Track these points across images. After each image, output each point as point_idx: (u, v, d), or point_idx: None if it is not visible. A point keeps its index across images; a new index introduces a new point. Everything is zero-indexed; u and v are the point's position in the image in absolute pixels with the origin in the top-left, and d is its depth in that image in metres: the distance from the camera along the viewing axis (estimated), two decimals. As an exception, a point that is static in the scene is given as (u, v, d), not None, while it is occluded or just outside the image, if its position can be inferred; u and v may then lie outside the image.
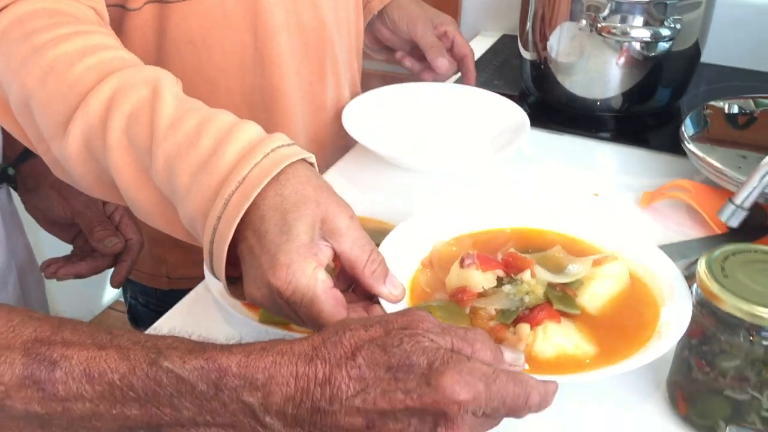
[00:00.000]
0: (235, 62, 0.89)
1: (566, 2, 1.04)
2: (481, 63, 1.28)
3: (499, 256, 0.68)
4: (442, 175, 0.97)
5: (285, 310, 0.57)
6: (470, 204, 0.77)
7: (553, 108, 1.13)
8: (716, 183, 0.85)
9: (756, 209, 0.83)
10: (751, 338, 0.56)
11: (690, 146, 0.90)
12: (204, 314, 0.75)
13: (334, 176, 0.98)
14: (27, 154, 0.92)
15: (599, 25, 1.01)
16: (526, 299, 0.64)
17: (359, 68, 1.10)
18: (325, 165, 1.01)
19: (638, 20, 1.02)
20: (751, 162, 0.85)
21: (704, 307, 0.58)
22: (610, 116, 1.11)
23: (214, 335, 0.71)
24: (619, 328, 0.64)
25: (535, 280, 0.65)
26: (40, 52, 0.66)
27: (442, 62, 1.07)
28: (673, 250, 0.79)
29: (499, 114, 1.04)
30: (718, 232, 0.83)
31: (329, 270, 0.58)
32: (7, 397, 0.48)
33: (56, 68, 0.65)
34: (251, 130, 0.61)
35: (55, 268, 0.95)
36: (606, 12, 1.01)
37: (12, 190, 0.96)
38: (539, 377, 0.50)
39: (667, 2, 1.01)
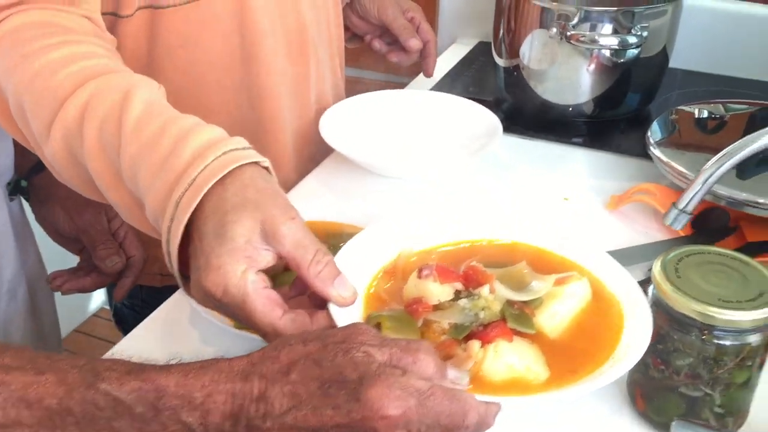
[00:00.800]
0: (224, 63, 0.92)
1: (537, 11, 1.07)
2: (457, 69, 1.31)
3: (462, 269, 0.67)
4: (417, 180, 0.99)
5: (226, 311, 0.59)
6: (442, 213, 0.76)
7: (526, 114, 1.15)
8: (680, 186, 0.87)
9: (719, 212, 0.86)
10: (703, 337, 0.58)
11: (655, 151, 0.92)
12: (180, 322, 0.77)
13: (311, 182, 1.00)
14: (39, 167, 0.95)
15: (569, 33, 1.04)
16: (481, 315, 0.62)
17: (342, 72, 1.14)
18: (312, 161, 1.04)
19: (607, 28, 1.04)
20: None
21: (659, 307, 0.60)
22: (582, 121, 1.13)
23: (191, 344, 0.73)
24: (575, 350, 0.63)
25: (493, 295, 0.64)
26: (29, 60, 0.69)
27: (414, 42, 1.12)
28: (636, 253, 0.82)
29: (474, 120, 1.06)
30: (682, 234, 0.86)
31: (287, 278, 0.60)
32: None
33: (41, 75, 0.68)
34: (210, 132, 0.62)
35: (61, 281, 0.97)
36: (575, 20, 1.04)
37: (24, 202, 0.99)
38: (482, 398, 0.50)
39: (635, 10, 1.04)
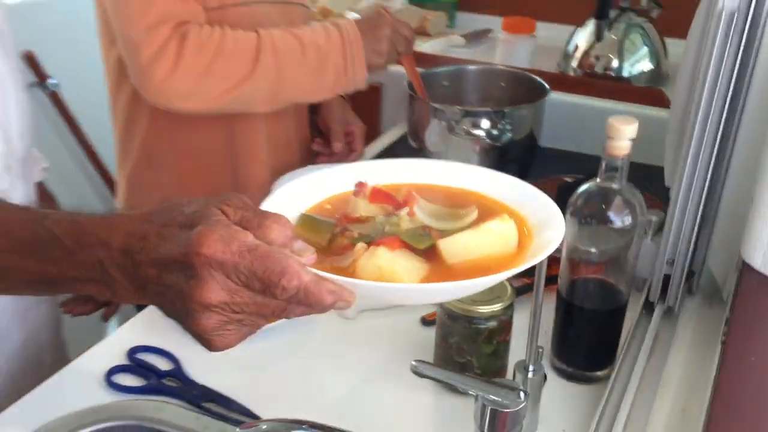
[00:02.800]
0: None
1: (432, 109, 1.47)
2: (394, 148, 1.71)
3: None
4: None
5: None
6: (411, 162, 0.75)
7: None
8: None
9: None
10: (466, 324, 0.96)
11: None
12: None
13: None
14: None
15: (455, 127, 1.44)
16: (386, 229, 0.62)
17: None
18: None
19: (484, 123, 1.44)
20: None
21: (442, 307, 0.99)
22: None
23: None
24: (464, 276, 0.58)
25: (410, 218, 0.64)
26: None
27: (337, 145, 1.53)
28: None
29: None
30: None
31: None
32: None
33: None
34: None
35: (72, 306, 1.28)
36: (459, 117, 1.44)
37: None
38: (327, 275, 0.51)
39: (505, 110, 1.44)
